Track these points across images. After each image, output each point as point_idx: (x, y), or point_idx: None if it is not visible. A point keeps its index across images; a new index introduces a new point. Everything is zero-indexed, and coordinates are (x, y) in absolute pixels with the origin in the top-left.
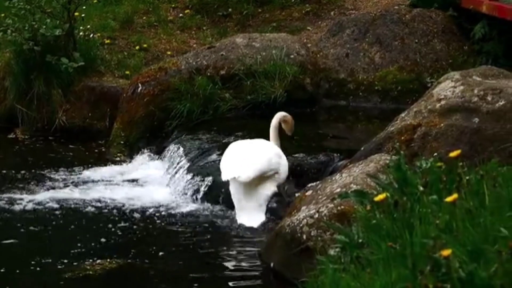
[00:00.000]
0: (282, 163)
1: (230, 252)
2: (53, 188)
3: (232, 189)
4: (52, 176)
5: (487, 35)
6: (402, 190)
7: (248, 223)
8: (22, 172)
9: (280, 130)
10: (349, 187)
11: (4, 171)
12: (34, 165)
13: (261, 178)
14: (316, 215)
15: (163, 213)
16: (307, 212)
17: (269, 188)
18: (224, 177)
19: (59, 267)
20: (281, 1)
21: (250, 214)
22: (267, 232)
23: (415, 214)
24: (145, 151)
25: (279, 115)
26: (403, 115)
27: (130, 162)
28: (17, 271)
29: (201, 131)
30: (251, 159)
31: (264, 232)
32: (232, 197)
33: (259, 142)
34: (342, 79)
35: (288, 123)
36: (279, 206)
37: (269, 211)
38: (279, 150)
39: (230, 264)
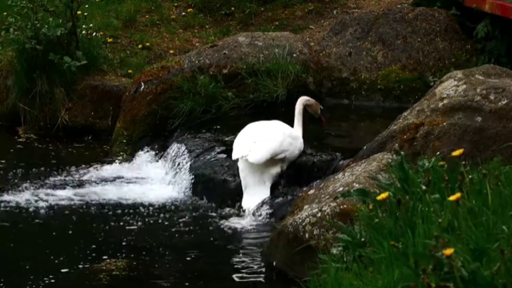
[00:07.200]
0: (294, 144)
1: (233, 251)
2: (55, 187)
3: (240, 167)
4: (54, 175)
5: (489, 34)
6: (405, 189)
7: (252, 202)
8: (24, 171)
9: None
10: (352, 186)
11: (6, 170)
12: (36, 164)
13: (271, 159)
14: (319, 214)
15: (165, 211)
16: (310, 211)
17: (276, 169)
18: (234, 156)
19: (61, 266)
20: (284, 0)
21: (254, 193)
22: (270, 231)
23: (417, 213)
24: (148, 149)
25: (302, 99)
26: (405, 114)
27: (132, 160)
28: (19, 270)
29: (203, 130)
30: (263, 140)
31: (267, 230)
32: (240, 175)
33: (273, 123)
34: (345, 78)
35: (312, 106)
36: (282, 204)
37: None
38: (292, 131)
39: (232, 263)
